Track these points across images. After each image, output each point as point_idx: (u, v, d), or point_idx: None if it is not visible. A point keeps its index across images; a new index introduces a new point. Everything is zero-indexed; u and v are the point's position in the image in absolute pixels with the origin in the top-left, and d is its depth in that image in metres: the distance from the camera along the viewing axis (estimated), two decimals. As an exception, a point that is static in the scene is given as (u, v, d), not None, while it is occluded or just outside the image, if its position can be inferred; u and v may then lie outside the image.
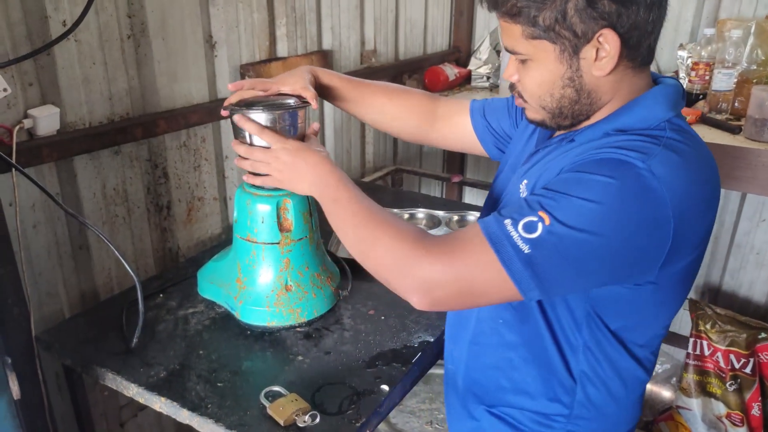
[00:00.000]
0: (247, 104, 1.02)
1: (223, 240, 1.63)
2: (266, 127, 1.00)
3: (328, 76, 1.12)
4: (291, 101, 1.03)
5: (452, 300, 0.76)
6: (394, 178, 2.30)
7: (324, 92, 1.13)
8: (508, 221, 0.72)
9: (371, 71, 2.04)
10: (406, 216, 1.64)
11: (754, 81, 1.90)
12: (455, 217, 1.61)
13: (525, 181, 0.86)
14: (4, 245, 0.97)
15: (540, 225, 0.70)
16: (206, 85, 1.47)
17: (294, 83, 1.06)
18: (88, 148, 1.19)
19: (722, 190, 2.05)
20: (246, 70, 1.54)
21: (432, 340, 1.13)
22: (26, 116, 1.12)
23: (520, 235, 0.70)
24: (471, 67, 2.48)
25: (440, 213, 1.63)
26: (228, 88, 1.05)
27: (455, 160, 2.71)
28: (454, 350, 1.02)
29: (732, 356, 2.18)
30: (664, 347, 2.55)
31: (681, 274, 0.79)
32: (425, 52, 2.44)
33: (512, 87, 0.86)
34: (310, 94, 1.04)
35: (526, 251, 0.70)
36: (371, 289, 1.28)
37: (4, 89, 1.00)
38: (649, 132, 0.75)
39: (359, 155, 2.18)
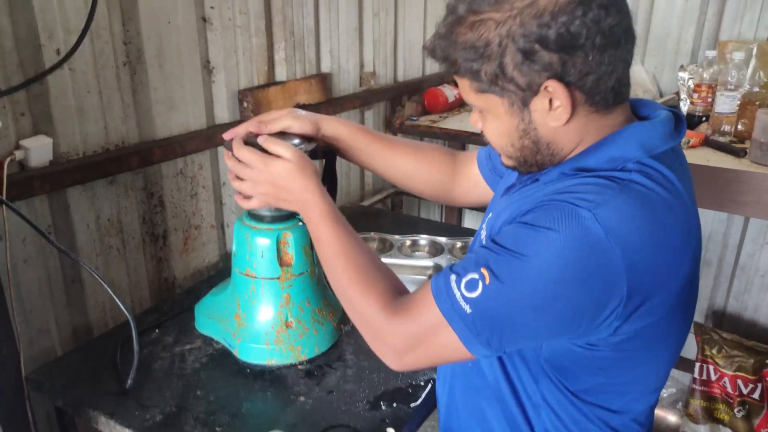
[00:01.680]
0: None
1: (221, 268, 1.58)
2: (250, 143, 0.94)
3: (334, 125, 1.05)
4: (296, 140, 0.98)
5: (421, 362, 0.79)
6: (394, 200, 2.27)
7: (331, 142, 1.06)
8: (453, 278, 0.73)
9: (370, 93, 2.02)
10: (408, 242, 1.60)
11: (757, 103, 1.89)
12: (459, 244, 1.57)
13: (483, 233, 0.86)
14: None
15: (480, 284, 0.70)
16: (204, 112, 1.44)
17: (300, 127, 0.99)
18: (81, 180, 1.16)
19: (726, 213, 2.03)
20: (244, 96, 1.51)
21: (435, 376, 1.09)
22: (18, 147, 1.08)
23: (462, 295, 0.71)
24: (470, 88, 2.46)
25: (443, 240, 1.60)
26: (224, 137, 1.00)
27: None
28: (439, 391, 1.00)
29: (739, 381, 2.14)
30: (669, 370, 2.51)
31: (656, 331, 0.73)
32: (424, 73, 2.42)
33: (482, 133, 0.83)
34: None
35: (468, 311, 0.70)
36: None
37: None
38: (611, 174, 0.70)
39: (359, 178, 2.15)
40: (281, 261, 1.07)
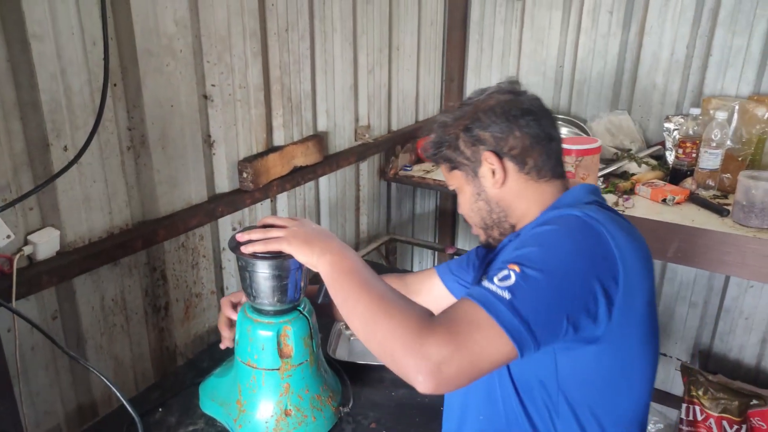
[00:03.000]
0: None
1: (220, 331, 1.62)
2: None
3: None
4: None
5: (462, 368, 0.75)
6: (388, 247, 2.32)
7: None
8: (485, 281, 0.81)
9: (365, 147, 2.07)
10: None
11: (739, 158, 1.96)
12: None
13: None
14: (3, 382, 0.96)
15: (513, 275, 0.79)
16: (204, 185, 1.48)
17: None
18: (87, 268, 1.19)
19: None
20: (243, 167, 1.55)
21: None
22: (26, 242, 1.12)
23: (498, 286, 0.78)
24: (462, 132, 2.51)
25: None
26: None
27: (446, 229, 2.74)
28: None
29: (725, 423, 2.20)
30: (656, 406, 2.57)
31: (634, 337, 0.88)
32: (417, 119, 2.48)
33: None
34: None
35: (507, 297, 0.76)
36: (371, 397, 1.28)
37: (8, 236, 1.00)
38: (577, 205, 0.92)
39: (354, 227, 2.19)
40: (281, 353, 1.10)
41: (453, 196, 2.45)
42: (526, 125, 0.97)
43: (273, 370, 1.11)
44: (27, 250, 1.11)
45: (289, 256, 0.99)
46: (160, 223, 1.35)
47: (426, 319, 0.79)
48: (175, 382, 1.36)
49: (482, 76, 2.59)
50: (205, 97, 1.44)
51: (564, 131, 2.28)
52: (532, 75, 2.46)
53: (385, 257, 2.32)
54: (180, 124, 1.37)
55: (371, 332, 0.82)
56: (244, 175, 1.55)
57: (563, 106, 2.45)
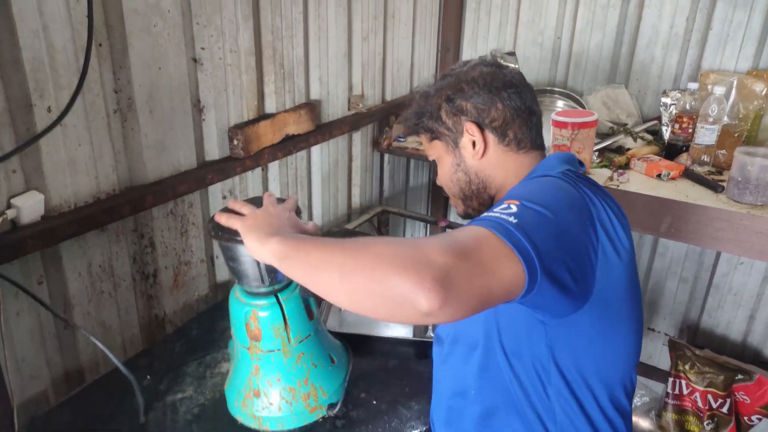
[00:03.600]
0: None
1: (211, 299, 1.61)
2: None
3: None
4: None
5: (470, 289, 0.64)
6: (380, 219, 2.30)
7: None
8: (485, 215, 0.74)
9: (359, 117, 2.03)
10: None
11: (736, 134, 1.94)
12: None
13: None
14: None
15: (513, 206, 0.75)
16: (194, 151, 1.44)
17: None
18: (73, 234, 1.17)
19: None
20: (234, 134, 1.51)
21: (425, 428, 1.13)
22: (9, 206, 1.09)
23: (501, 214, 0.72)
24: (457, 103, 2.48)
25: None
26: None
27: (439, 201, 2.72)
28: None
29: (710, 396, 2.24)
30: (643, 380, 2.61)
31: (619, 300, 0.88)
32: (411, 90, 2.43)
33: None
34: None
35: (513, 221, 0.71)
36: (362, 366, 1.27)
37: (-11, 197, 0.97)
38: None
39: (346, 198, 2.17)
40: (250, 334, 1.08)
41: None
42: (508, 98, 0.98)
43: (244, 347, 1.10)
44: (10, 213, 1.08)
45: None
46: (149, 188, 1.32)
47: (420, 239, 0.69)
48: (164, 349, 1.35)
49: (478, 47, 2.55)
50: (195, 60, 1.40)
51: (560, 104, 2.25)
52: (529, 46, 2.42)
53: (377, 229, 2.31)
54: (168, 87, 1.33)
55: (350, 271, 0.67)
56: (235, 142, 1.52)
57: (560, 79, 2.42)
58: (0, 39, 1.02)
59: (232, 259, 1.03)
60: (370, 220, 2.23)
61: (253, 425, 1.12)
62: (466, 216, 1.08)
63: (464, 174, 1.02)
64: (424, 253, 0.64)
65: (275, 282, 1.06)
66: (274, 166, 1.74)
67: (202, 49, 1.40)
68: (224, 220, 0.96)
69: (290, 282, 1.11)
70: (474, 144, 0.99)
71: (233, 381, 1.15)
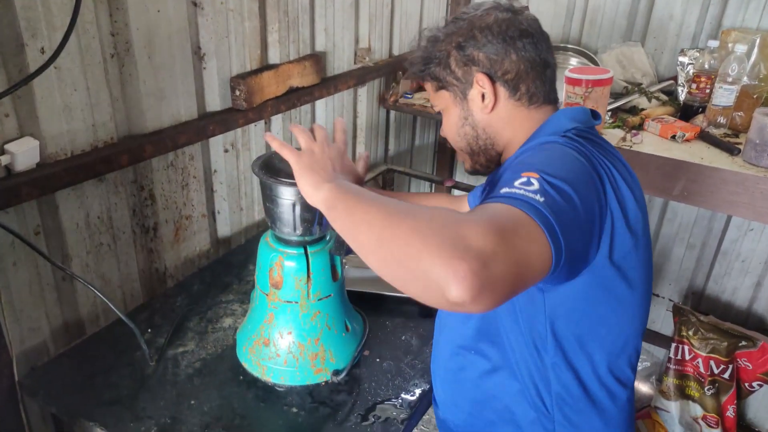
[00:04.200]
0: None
1: (212, 256, 1.58)
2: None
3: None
4: None
5: (506, 277, 0.59)
6: (386, 178, 2.25)
7: None
8: (505, 189, 0.68)
9: (365, 71, 1.96)
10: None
11: (755, 96, 1.88)
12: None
13: None
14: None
15: (534, 180, 0.68)
16: (195, 101, 1.39)
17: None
18: (70, 182, 1.13)
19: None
20: (236, 84, 1.46)
21: (428, 387, 1.12)
22: (3, 152, 1.05)
23: (526, 192, 0.66)
24: (466, 60, 2.41)
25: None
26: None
27: (445, 161, 2.66)
28: (438, 392, 1.05)
29: (712, 362, 2.23)
30: (645, 345, 2.60)
31: (625, 267, 0.83)
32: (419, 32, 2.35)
33: None
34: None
35: (540, 200, 0.65)
36: (369, 324, 1.25)
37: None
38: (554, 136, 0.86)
39: (350, 155, 2.12)
40: (271, 280, 1.06)
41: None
42: (522, 48, 0.91)
43: (263, 293, 1.08)
44: (4, 159, 1.04)
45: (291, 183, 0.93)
46: (147, 138, 1.27)
47: (458, 213, 0.64)
48: (164, 303, 1.33)
49: (490, 1, 2.45)
50: (195, 4, 1.33)
51: (573, 62, 2.18)
52: (543, 0, 2.32)
53: (381, 188, 2.26)
54: (167, 31, 1.27)
55: (387, 239, 0.63)
56: (237, 92, 1.46)
57: (574, 36, 2.34)
58: (-12, -27, 0.96)
59: (270, 199, 1.01)
60: (375, 179, 2.19)
61: (256, 373, 1.10)
62: (473, 172, 1.04)
63: (471, 128, 0.97)
64: (463, 234, 0.58)
65: (308, 233, 1.04)
66: (277, 120, 1.69)
67: (203, -8, 1.33)
68: (277, 144, 0.92)
69: (322, 237, 1.09)
70: (483, 97, 0.93)
71: (246, 326, 1.14)
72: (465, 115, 0.96)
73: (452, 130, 1.00)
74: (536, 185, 0.68)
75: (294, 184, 0.91)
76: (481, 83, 0.92)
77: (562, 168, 0.74)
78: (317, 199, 0.81)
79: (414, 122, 2.50)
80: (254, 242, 1.57)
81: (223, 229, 1.61)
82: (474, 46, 0.91)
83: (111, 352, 1.16)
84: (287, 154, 0.89)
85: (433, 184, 2.58)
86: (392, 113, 2.29)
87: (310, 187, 0.83)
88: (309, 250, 1.05)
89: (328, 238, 1.10)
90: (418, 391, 1.11)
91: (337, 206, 0.76)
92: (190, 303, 1.32)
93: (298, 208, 1.00)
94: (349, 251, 1.05)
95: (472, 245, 0.57)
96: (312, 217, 1.03)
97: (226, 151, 1.53)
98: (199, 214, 1.50)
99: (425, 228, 0.60)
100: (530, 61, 0.91)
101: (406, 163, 2.54)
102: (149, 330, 1.23)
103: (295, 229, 1.03)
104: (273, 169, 1.03)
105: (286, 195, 0.99)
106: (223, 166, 1.54)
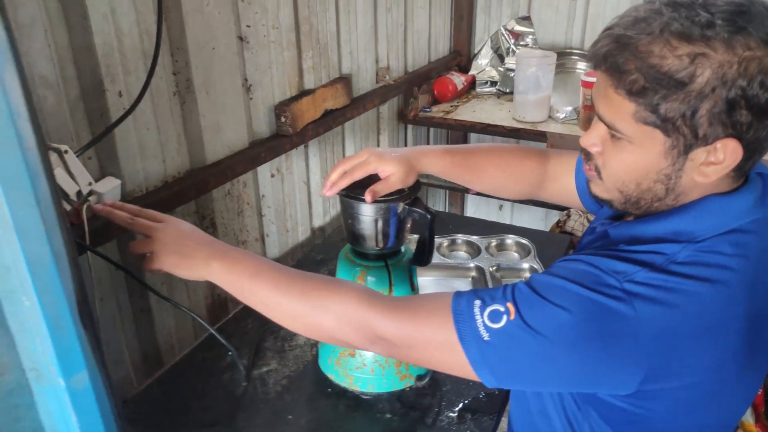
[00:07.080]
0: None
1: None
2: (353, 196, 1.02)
3: (427, 162, 1.09)
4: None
5: (409, 360, 0.81)
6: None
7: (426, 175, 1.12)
8: (478, 303, 0.73)
9: (387, 90, 2.04)
10: (446, 243, 1.66)
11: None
12: (493, 242, 1.64)
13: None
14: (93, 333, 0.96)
15: (504, 317, 0.70)
16: (245, 130, 1.45)
17: (392, 170, 1.00)
18: (149, 217, 1.17)
19: None
20: (281, 111, 1.52)
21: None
22: (90, 193, 1.09)
23: (483, 322, 0.71)
24: (473, 71, 2.50)
25: (475, 238, 1.66)
26: (324, 195, 1.04)
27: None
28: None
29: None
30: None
31: (684, 398, 0.73)
32: (429, 60, 2.44)
33: (587, 154, 0.79)
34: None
35: (485, 338, 0.70)
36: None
37: (89, 183, 0.98)
38: (661, 250, 0.70)
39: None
40: None
41: (469, 134, 2.45)
42: None
43: None
44: (92, 200, 1.08)
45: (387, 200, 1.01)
46: (209, 170, 1.32)
47: (374, 297, 0.81)
48: (236, 327, 1.37)
49: (492, 14, 2.55)
50: (241, 38, 1.39)
51: (581, 65, 2.28)
52: (544, 9, 2.42)
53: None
54: (220, 67, 1.33)
55: (303, 314, 0.87)
56: (282, 119, 1.52)
57: (575, 42, 2.44)
58: (72, 24, 1.01)
59: (352, 217, 1.05)
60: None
61: (344, 383, 1.15)
62: (605, 203, 0.81)
63: (664, 190, 0.73)
64: (374, 327, 0.80)
65: (386, 247, 1.09)
66: (314, 144, 1.75)
67: (248, 27, 1.40)
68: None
69: (399, 248, 1.14)
70: (707, 160, 0.68)
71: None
72: (669, 174, 0.71)
73: (631, 176, 0.74)
74: (501, 324, 0.70)
75: (376, 202, 1.00)
76: (724, 152, 0.67)
77: (558, 325, 0.69)
78: (212, 275, 0.92)
79: (428, 133, 2.58)
80: (304, 262, 1.63)
81: (272, 251, 1.66)
82: (751, 98, 0.63)
83: (197, 378, 1.20)
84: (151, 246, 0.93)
85: (447, 192, 2.65)
86: (410, 127, 2.36)
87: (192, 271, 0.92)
88: (389, 262, 1.11)
89: (403, 250, 1.16)
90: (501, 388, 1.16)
91: (240, 288, 0.91)
92: (261, 324, 1.37)
93: (380, 223, 1.06)
94: (426, 261, 1.12)
95: (381, 333, 0.78)
96: (390, 231, 1.09)
97: (272, 176, 1.59)
98: (253, 239, 1.55)
99: (345, 306, 0.82)
100: None
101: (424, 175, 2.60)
102: (229, 353, 1.27)
103: (377, 243, 1.08)
104: (350, 187, 1.08)
105: (367, 212, 1.05)
106: (271, 191, 1.59)
